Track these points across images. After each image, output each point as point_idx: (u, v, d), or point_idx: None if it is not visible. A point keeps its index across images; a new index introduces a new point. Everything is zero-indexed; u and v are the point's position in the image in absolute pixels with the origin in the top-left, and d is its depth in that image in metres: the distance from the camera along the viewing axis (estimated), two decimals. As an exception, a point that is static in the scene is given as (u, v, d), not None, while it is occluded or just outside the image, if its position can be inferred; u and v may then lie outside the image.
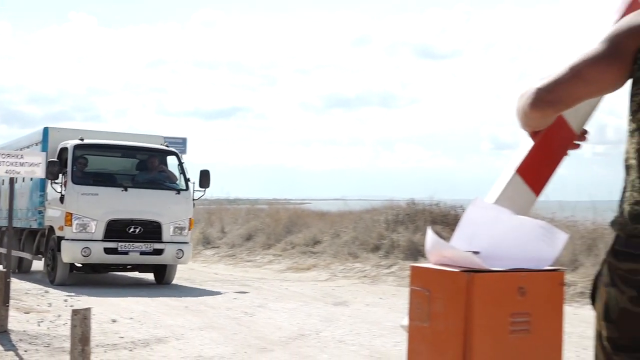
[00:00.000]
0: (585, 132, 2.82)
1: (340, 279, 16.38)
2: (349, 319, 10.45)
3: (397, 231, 18.33)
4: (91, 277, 15.51)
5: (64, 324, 9.13)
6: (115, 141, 15.57)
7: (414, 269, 2.65)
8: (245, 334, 9.17)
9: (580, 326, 9.15)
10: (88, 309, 5.40)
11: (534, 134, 2.73)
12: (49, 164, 13.80)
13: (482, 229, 2.58)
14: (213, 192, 15.49)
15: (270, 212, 24.93)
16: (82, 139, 14.67)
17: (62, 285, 13.95)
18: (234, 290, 13.99)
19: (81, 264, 14.53)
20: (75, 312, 5.29)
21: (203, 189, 15.20)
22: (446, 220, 17.61)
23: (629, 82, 2.12)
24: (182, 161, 15.43)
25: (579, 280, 12.36)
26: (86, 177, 14.51)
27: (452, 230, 2.65)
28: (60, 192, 14.04)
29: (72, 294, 12.67)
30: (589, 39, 2.78)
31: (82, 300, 11.73)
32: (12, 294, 9.08)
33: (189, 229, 14.91)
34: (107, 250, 14.01)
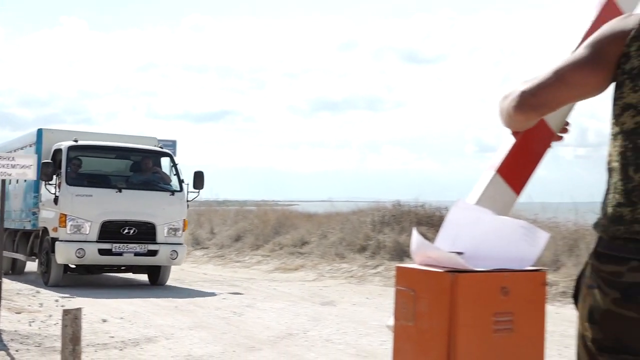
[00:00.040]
0: (567, 123, 2.83)
1: (327, 279, 16.37)
2: (336, 319, 10.45)
3: (383, 232, 18.34)
4: (85, 278, 15.37)
5: (55, 324, 9.09)
6: (109, 142, 15.38)
7: (399, 269, 2.65)
8: (234, 333, 9.16)
9: (562, 325, 9.18)
10: (79, 309, 5.37)
11: (515, 132, 2.74)
12: (43, 165, 13.67)
13: (466, 230, 2.58)
14: (202, 193, 15.30)
15: (259, 214, 24.91)
16: (76, 140, 14.52)
17: (56, 286, 13.77)
18: (223, 291, 13.97)
19: (75, 265, 14.34)
20: (66, 312, 5.26)
21: (197, 190, 15.05)
22: (431, 221, 17.62)
23: (612, 86, 2.13)
24: (176, 162, 15.29)
25: (561, 280, 12.41)
26: (80, 178, 14.32)
27: (437, 231, 2.65)
28: (55, 194, 13.87)
29: (63, 294, 12.62)
30: (568, 42, 2.80)
31: (73, 301, 11.68)
32: (3, 294, 9.04)
33: (183, 230, 14.76)
34: (102, 252, 13.82)
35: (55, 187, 13.89)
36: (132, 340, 8.54)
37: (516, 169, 2.88)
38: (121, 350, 7.98)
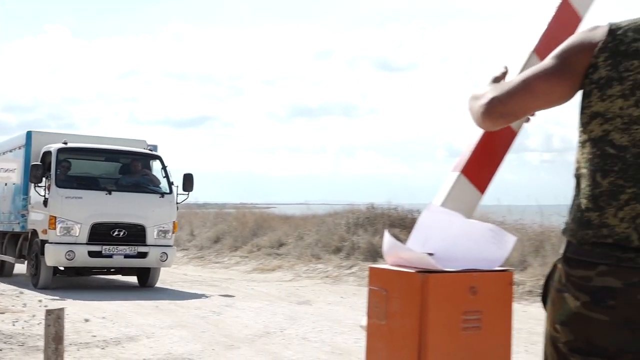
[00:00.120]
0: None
1: (303, 279, 16.36)
2: (312, 317, 10.44)
3: (357, 234, 18.35)
4: (74, 280, 15.02)
5: (38, 324, 9.00)
6: (98, 145, 14.95)
7: (372, 269, 2.65)
8: (213, 332, 9.12)
9: (528, 322, 9.24)
10: (61, 309, 5.33)
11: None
12: (33, 168, 13.43)
13: (436, 232, 2.59)
14: (182, 196, 15.03)
15: (237, 216, 24.86)
16: (65, 143, 14.15)
17: (45, 288, 13.41)
18: (203, 291, 13.91)
19: (64, 267, 13.90)
20: (49, 312, 5.21)
21: (186, 193, 14.72)
22: (404, 223, 17.64)
23: (579, 95, 2.14)
24: (166, 165, 14.88)
25: (528, 279, 12.48)
26: (70, 180, 13.96)
27: (410, 233, 2.66)
28: (44, 196, 13.48)
29: (47, 295, 12.50)
30: (527, 43, 2.81)
31: (56, 301, 11.58)
32: (-13, 295, 8.95)
33: (173, 232, 14.45)
34: (92, 254, 13.44)
35: (44, 190, 13.52)
36: (113, 339, 8.49)
37: (480, 169, 2.90)
38: (103, 349, 7.92)
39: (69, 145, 14.19)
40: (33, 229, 14.19)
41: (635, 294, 1.94)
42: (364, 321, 2.67)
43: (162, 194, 14.49)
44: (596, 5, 2.93)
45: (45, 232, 13.51)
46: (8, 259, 15.93)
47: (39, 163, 13.77)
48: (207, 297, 12.89)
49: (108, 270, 14.68)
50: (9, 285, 13.85)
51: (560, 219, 14.18)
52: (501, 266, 2.59)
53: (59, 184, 13.65)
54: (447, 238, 2.57)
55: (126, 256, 13.76)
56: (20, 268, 15.76)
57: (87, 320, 9.66)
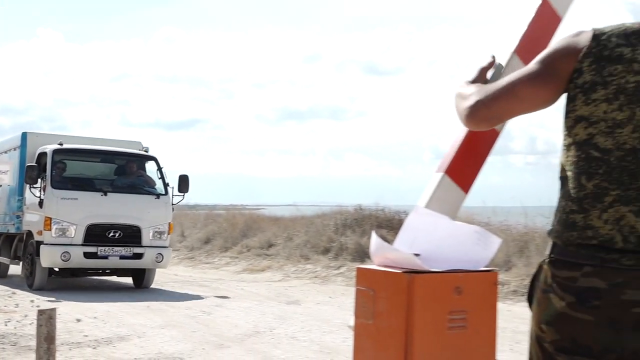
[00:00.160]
0: None
1: (292, 280, 16.34)
2: (300, 317, 10.43)
3: (345, 235, 18.36)
4: (69, 281, 14.81)
5: (30, 324, 8.95)
6: (94, 146, 14.72)
7: (359, 270, 2.65)
8: (204, 331, 9.10)
9: (513, 322, 9.26)
10: (53, 309, 5.29)
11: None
12: (28, 169, 13.26)
13: (423, 234, 2.59)
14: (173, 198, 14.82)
15: (228, 217, 24.83)
16: (61, 144, 13.94)
17: (41, 289, 13.21)
18: (193, 291, 13.87)
19: (59, 268, 13.62)
20: (41, 312, 5.18)
21: (182, 194, 14.50)
22: (391, 224, 17.66)
23: (564, 99, 2.15)
24: (161, 166, 14.65)
25: (512, 279, 12.51)
26: (65, 181, 13.73)
27: (397, 234, 2.66)
28: (39, 197, 13.29)
29: (39, 295, 12.43)
30: (509, 44, 2.81)
31: (48, 301, 11.52)
32: (-20, 295, 8.90)
33: (168, 234, 14.23)
34: (87, 255, 13.23)
35: (40, 191, 13.34)
36: (105, 338, 8.45)
37: (463, 169, 2.89)
38: (95, 348, 7.89)
39: (65, 146, 13.97)
40: (28, 230, 13.97)
41: (620, 295, 1.94)
42: (352, 321, 2.66)
43: (158, 195, 14.27)
44: (575, 5, 2.93)
45: (40, 233, 13.30)
46: (3, 260, 15.67)
47: (34, 164, 13.59)
48: (197, 297, 12.86)
49: (103, 271, 14.42)
50: (2, 286, 13.75)
51: (544, 220, 14.23)
52: (486, 266, 2.59)
53: (55, 185, 13.44)
54: (433, 239, 2.57)
55: (122, 257, 13.54)
56: (15, 269, 15.53)
57: (79, 320, 9.61)
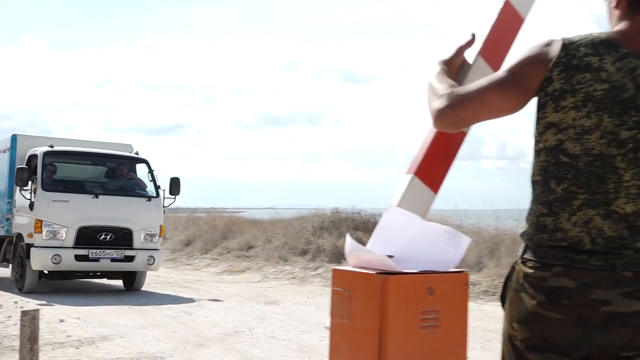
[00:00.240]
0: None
1: (271, 281, 16.31)
2: (279, 317, 10.40)
3: (322, 237, 18.36)
4: (59, 283, 14.42)
5: (14, 325, 8.84)
6: (85, 148, 14.40)
7: (335, 271, 2.64)
8: (184, 331, 9.04)
9: (484, 320, 9.27)
10: (37, 310, 5.23)
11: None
12: (18, 171, 12.92)
13: (395, 235, 2.58)
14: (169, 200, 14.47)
15: (208, 220, 24.77)
16: (51, 146, 13.56)
17: (31, 292, 12.88)
18: (174, 292, 13.79)
19: (48, 270, 13.22)
20: (24, 313, 5.12)
21: (173, 197, 14.18)
22: (367, 227, 17.68)
23: (535, 107, 2.15)
24: (153, 169, 14.33)
25: (483, 280, 12.54)
26: (56, 184, 13.36)
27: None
28: (30, 199, 12.92)
29: (23, 296, 12.29)
30: (474, 46, 2.78)
31: (32, 302, 11.40)
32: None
33: (160, 236, 13.91)
34: (78, 258, 12.87)
35: (30, 193, 12.96)
36: (87, 339, 8.37)
37: (432, 170, 2.88)
38: (77, 348, 7.81)
39: (55, 148, 13.60)
40: (18, 233, 13.56)
41: (588, 294, 1.95)
42: (328, 322, 2.64)
43: (149, 198, 13.94)
44: (537, 5, 2.92)
45: (30, 235, 12.92)
46: None
47: (24, 166, 13.24)
48: (178, 298, 12.78)
49: (94, 274, 14.05)
50: (-14, 288, 13.58)
51: (514, 223, 14.31)
52: (457, 267, 2.58)
53: (45, 188, 13.07)
54: (406, 240, 2.56)
55: (113, 260, 13.19)
56: (3, 272, 15.19)
57: (62, 321, 9.51)
